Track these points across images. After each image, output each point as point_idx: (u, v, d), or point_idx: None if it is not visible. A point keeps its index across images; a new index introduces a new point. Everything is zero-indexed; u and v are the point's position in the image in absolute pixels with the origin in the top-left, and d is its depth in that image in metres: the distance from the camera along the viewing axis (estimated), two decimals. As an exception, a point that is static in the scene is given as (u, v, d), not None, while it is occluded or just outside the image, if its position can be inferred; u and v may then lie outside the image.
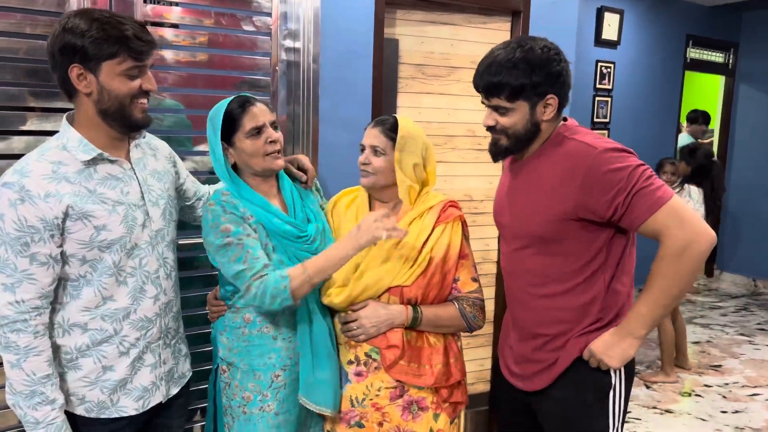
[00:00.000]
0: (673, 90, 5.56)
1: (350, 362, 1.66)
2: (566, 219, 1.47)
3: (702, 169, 3.72)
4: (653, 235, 1.42)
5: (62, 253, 1.36)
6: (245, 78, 2.10)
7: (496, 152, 1.56)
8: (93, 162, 1.39)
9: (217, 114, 1.59)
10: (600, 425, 1.54)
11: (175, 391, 1.60)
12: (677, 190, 3.67)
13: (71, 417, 1.43)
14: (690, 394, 3.62)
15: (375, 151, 1.65)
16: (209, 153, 1.64)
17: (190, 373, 1.69)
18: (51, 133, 1.74)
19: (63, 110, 1.78)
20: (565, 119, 1.59)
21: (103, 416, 1.46)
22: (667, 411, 3.40)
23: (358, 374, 1.65)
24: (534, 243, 1.55)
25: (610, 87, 5.07)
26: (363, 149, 1.68)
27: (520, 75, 1.43)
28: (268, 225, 1.59)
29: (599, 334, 1.52)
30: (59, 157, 1.36)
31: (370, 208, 1.74)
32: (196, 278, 2.12)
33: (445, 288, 1.67)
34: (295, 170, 1.79)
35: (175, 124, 2.11)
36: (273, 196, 1.68)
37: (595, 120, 5.06)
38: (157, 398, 1.54)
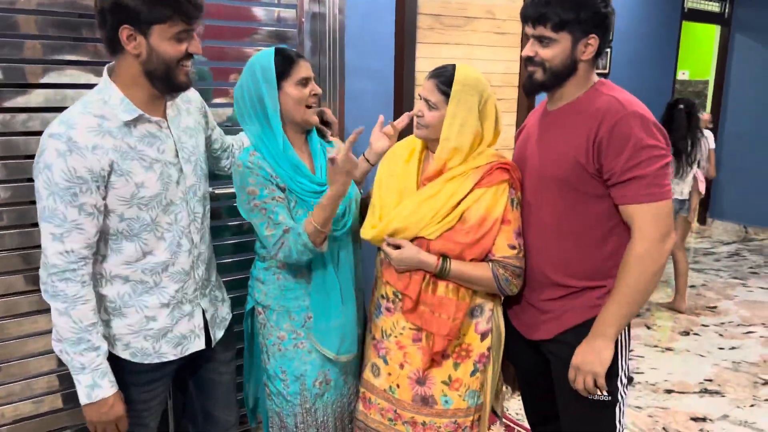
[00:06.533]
0: (671, 39, 5.59)
1: (382, 296, 1.73)
2: (582, 169, 1.53)
3: None
4: (628, 221, 1.51)
5: (105, 206, 1.40)
6: (271, 29, 2.12)
7: (531, 86, 1.61)
8: (134, 121, 1.41)
9: (267, 62, 1.62)
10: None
11: (220, 334, 1.68)
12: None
13: (115, 360, 1.49)
14: (688, 333, 3.80)
15: (428, 104, 1.63)
16: (243, 102, 1.65)
17: (230, 316, 1.75)
18: (70, 87, 1.77)
19: (78, 63, 1.78)
20: (603, 78, 1.65)
21: (146, 361, 1.53)
22: (668, 349, 3.58)
23: (388, 309, 1.72)
24: (560, 186, 1.58)
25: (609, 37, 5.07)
26: (420, 98, 1.67)
27: (569, 9, 1.50)
28: (291, 185, 1.64)
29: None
30: (102, 111, 1.38)
31: (427, 160, 1.73)
32: (225, 227, 2.18)
33: (482, 251, 1.61)
34: (321, 125, 1.82)
35: (195, 75, 2.11)
36: (301, 150, 1.73)
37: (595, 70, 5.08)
38: (197, 345, 1.60)
